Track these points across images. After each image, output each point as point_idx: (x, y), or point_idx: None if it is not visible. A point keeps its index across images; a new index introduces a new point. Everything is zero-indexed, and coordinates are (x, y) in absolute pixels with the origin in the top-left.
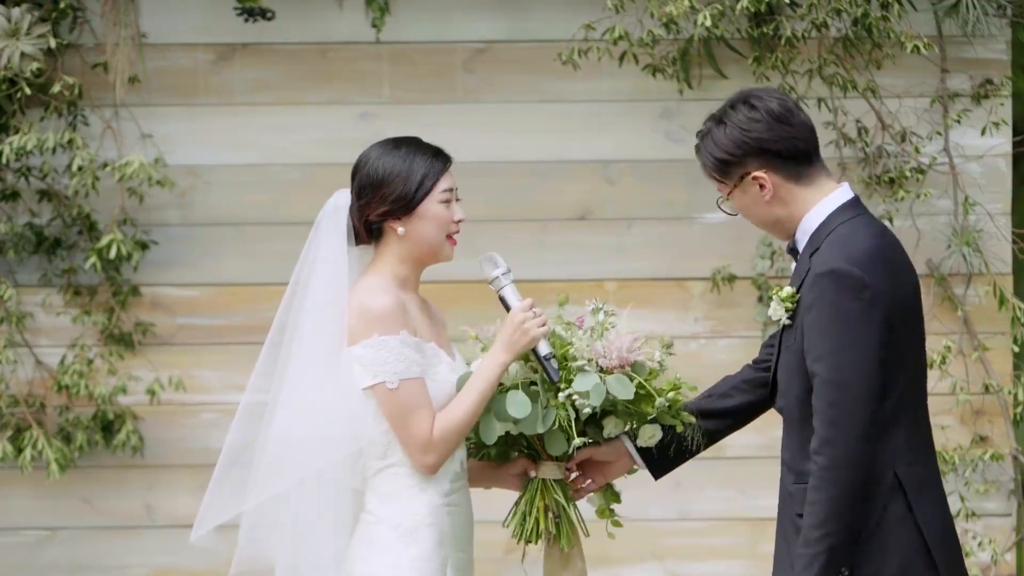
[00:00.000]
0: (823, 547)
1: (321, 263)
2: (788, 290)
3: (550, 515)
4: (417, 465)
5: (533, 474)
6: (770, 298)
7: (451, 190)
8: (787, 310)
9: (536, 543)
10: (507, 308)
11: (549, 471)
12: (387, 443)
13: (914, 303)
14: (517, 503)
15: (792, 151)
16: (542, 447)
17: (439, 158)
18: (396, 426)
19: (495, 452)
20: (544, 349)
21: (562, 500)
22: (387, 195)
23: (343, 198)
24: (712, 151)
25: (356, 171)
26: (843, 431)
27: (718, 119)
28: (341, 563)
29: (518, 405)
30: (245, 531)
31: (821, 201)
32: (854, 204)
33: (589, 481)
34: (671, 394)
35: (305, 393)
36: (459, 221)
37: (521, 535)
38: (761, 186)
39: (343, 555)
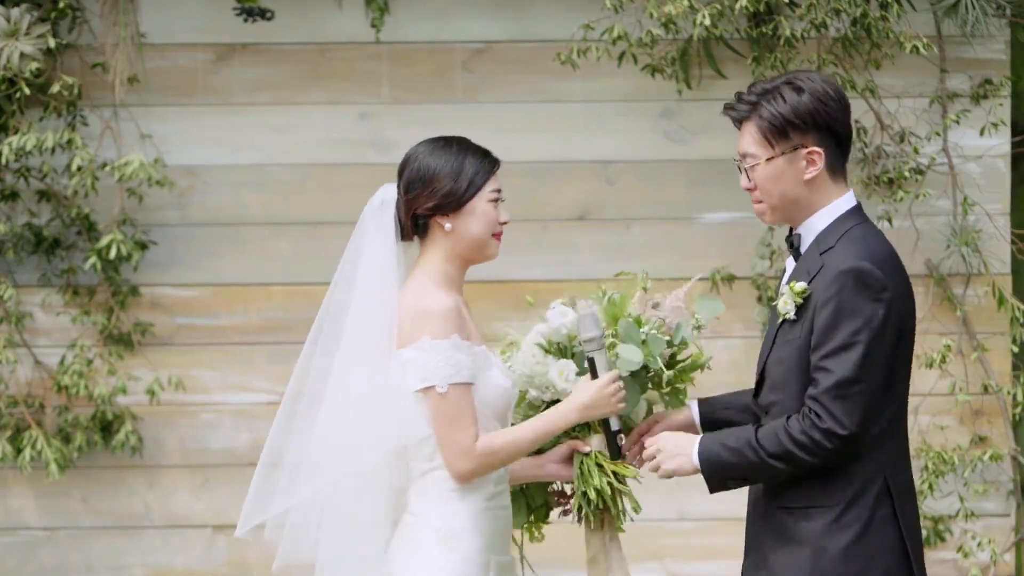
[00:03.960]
0: (773, 471)
1: (368, 259)
2: (801, 284)
3: (619, 483)
4: (452, 471)
5: (587, 449)
6: (770, 298)
7: (499, 191)
8: (796, 304)
9: (600, 518)
10: (593, 372)
11: (600, 444)
12: (435, 445)
13: (914, 313)
14: (577, 480)
15: (847, 142)
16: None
17: (489, 159)
18: (440, 430)
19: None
20: (615, 424)
21: (619, 471)
22: (437, 190)
23: (389, 192)
24: (781, 110)
25: (404, 166)
26: (847, 424)
27: (791, 84)
28: (381, 562)
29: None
30: (288, 528)
31: (835, 201)
32: (860, 210)
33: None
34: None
35: (351, 392)
36: (504, 222)
37: (583, 512)
38: (810, 163)
39: (383, 554)
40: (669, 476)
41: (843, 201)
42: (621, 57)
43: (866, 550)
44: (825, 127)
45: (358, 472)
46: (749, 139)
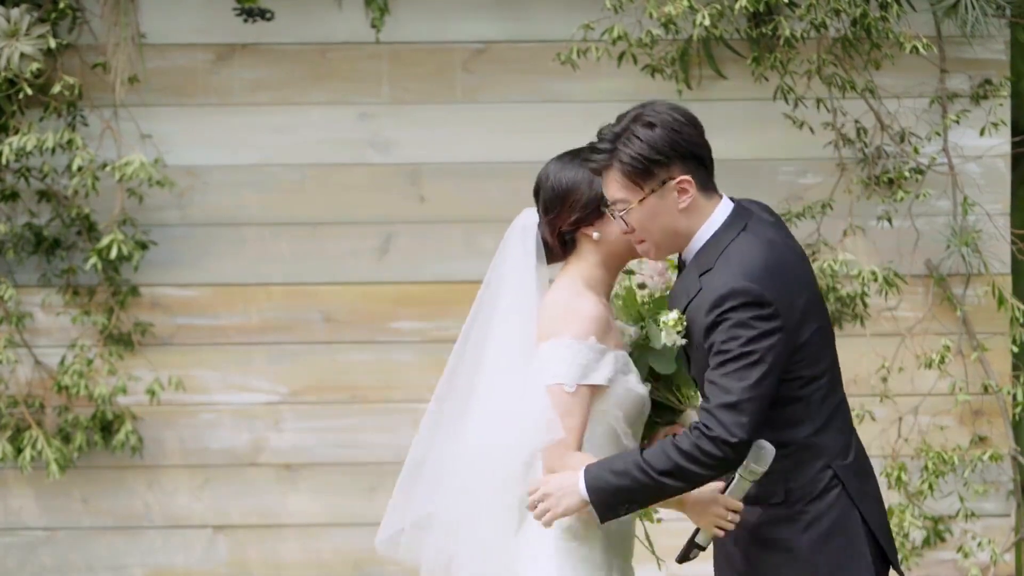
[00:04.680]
0: (664, 489)
1: (509, 282)
2: (673, 315)
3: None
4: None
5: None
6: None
7: None
8: (678, 332)
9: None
10: (724, 489)
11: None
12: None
13: (816, 301)
14: None
15: (709, 159)
16: (677, 397)
17: None
18: None
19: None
20: (703, 539)
21: None
22: (576, 202)
23: (530, 217)
24: (640, 151)
25: (539, 188)
26: (736, 432)
27: (641, 120)
28: (507, 562)
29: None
30: (432, 534)
31: (711, 217)
32: (738, 214)
33: None
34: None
35: (497, 401)
36: None
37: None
38: (681, 192)
39: (510, 554)
40: (556, 518)
41: (718, 213)
42: (621, 57)
43: (832, 545)
44: (687, 154)
45: (503, 476)
46: (616, 186)
